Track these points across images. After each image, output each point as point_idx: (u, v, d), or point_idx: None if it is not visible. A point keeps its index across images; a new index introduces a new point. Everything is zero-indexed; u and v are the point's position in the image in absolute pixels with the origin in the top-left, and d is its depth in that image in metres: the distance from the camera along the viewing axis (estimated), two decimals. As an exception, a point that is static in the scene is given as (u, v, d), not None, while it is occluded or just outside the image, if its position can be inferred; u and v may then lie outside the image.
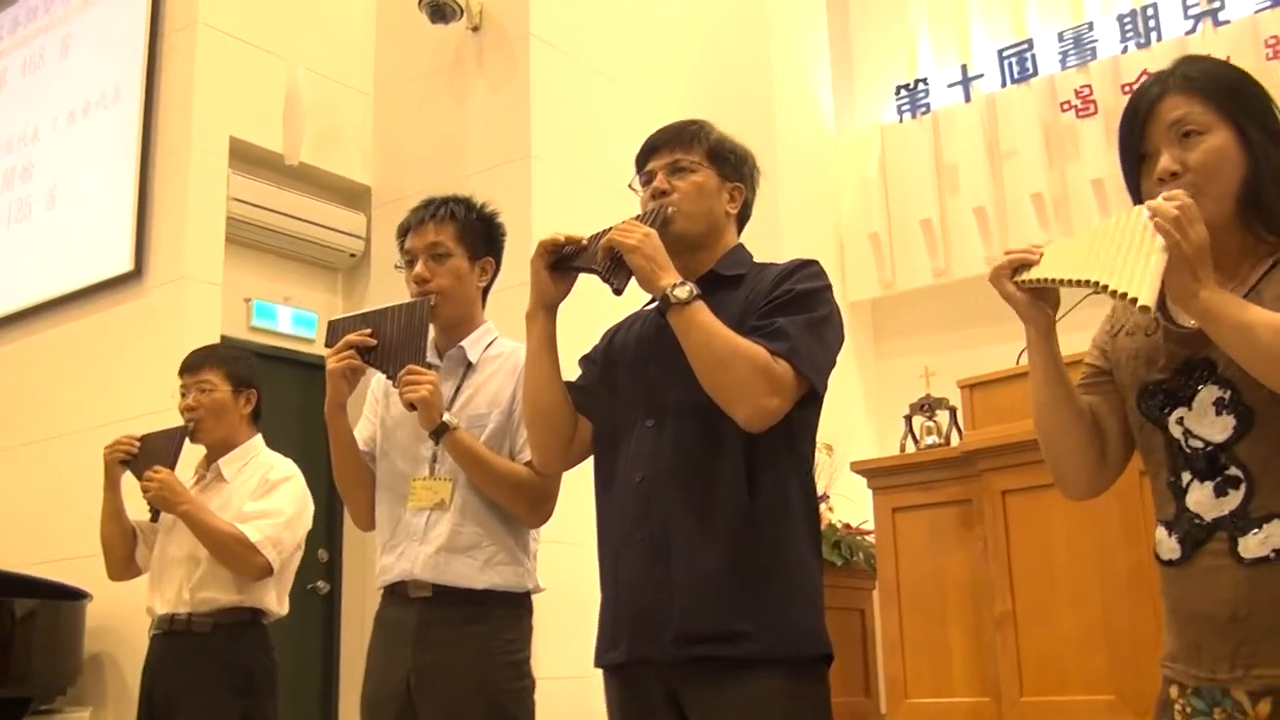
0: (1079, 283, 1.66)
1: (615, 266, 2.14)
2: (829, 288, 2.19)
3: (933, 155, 6.25)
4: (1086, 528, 3.63)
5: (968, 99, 6.19)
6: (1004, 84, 6.08)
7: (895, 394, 5.40)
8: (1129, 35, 5.71)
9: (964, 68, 6.23)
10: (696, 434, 2.10)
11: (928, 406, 4.64)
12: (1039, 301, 1.80)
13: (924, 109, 6.34)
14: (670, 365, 2.13)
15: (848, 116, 6.73)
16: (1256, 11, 5.34)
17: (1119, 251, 1.63)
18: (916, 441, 4.65)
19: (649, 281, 2.10)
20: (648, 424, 2.16)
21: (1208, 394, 1.70)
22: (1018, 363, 4.04)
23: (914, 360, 5.48)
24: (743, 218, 2.37)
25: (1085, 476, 1.87)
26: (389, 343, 2.63)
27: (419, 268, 2.70)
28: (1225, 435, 1.68)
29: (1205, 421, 1.70)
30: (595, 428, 2.31)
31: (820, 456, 4.93)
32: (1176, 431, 1.73)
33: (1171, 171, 1.73)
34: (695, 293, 2.07)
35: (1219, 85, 1.77)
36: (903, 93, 6.42)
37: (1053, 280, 1.73)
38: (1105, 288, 1.60)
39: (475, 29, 5.83)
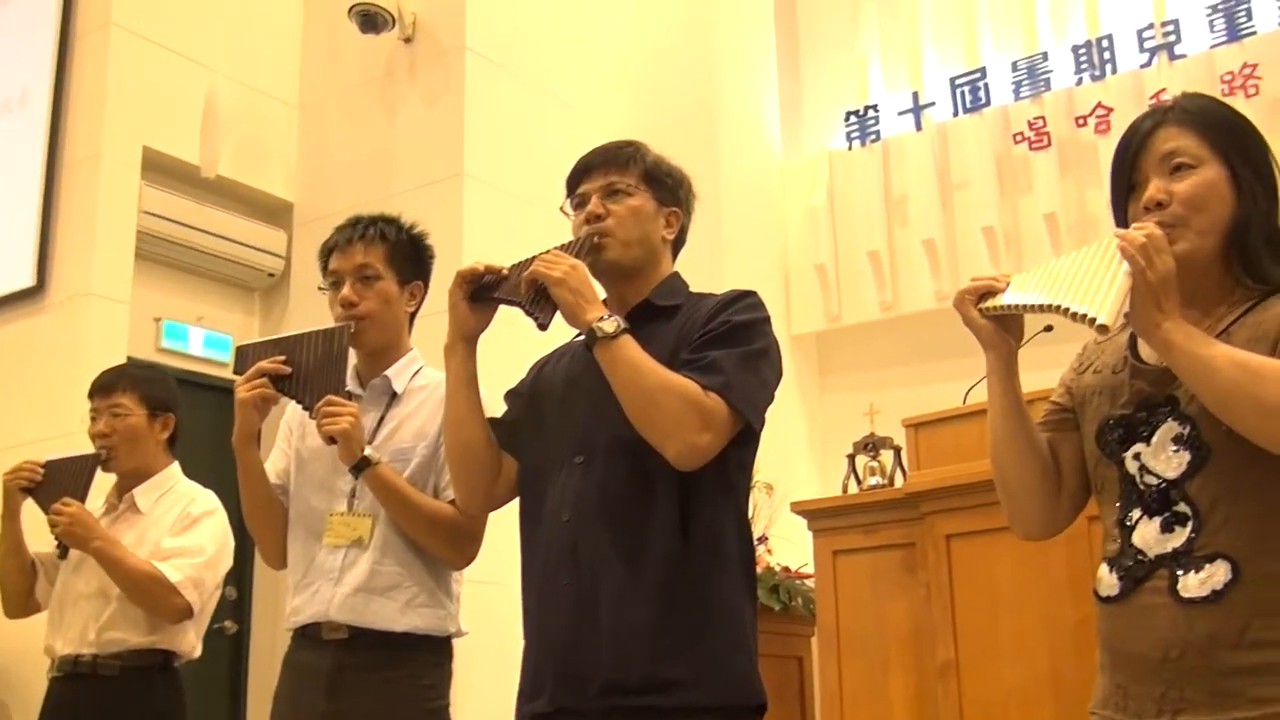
0: (1042, 308, 1.72)
1: (539, 300, 2.14)
2: (767, 320, 2.19)
3: (882, 185, 6.34)
4: (1033, 575, 3.69)
5: (919, 127, 6.30)
6: (956, 113, 6.20)
7: (839, 431, 5.45)
8: (1083, 67, 5.84)
9: (915, 95, 6.33)
10: (627, 472, 2.10)
11: (871, 446, 4.69)
12: (1002, 330, 1.86)
13: (874, 136, 6.44)
14: (600, 400, 2.13)
15: (795, 142, 6.81)
16: (1212, 47, 5.50)
17: (1084, 277, 1.69)
18: (859, 482, 4.70)
19: (574, 316, 2.10)
20: (576, 461, 2.16)
21: (1167, 430, 1.74)
22: (964, 402, 4.12)
23: (859, 397, 5.55)
24: (678, 244, 2.38)
25: (1039, 515, 1.92)
26: (305, 371, 2.61)
27: (347, 290, 2.69)
28: (1179, 471, 1.72)
29: (1162, 457, 1.74)
30: (521, 465, 2.31)
31: (760, 496, 5.01)
32: (1132, 467, 1.78)
33: (1157, 201, 1.78)
34: (622, 326, 2.07)
35: (1215, 122, 1.82)
36: (852, 119, 6.51)
37: (1016, 307, 1.79)
38: (1066, 310, 1.66)
39: (407, 40, 5.83)
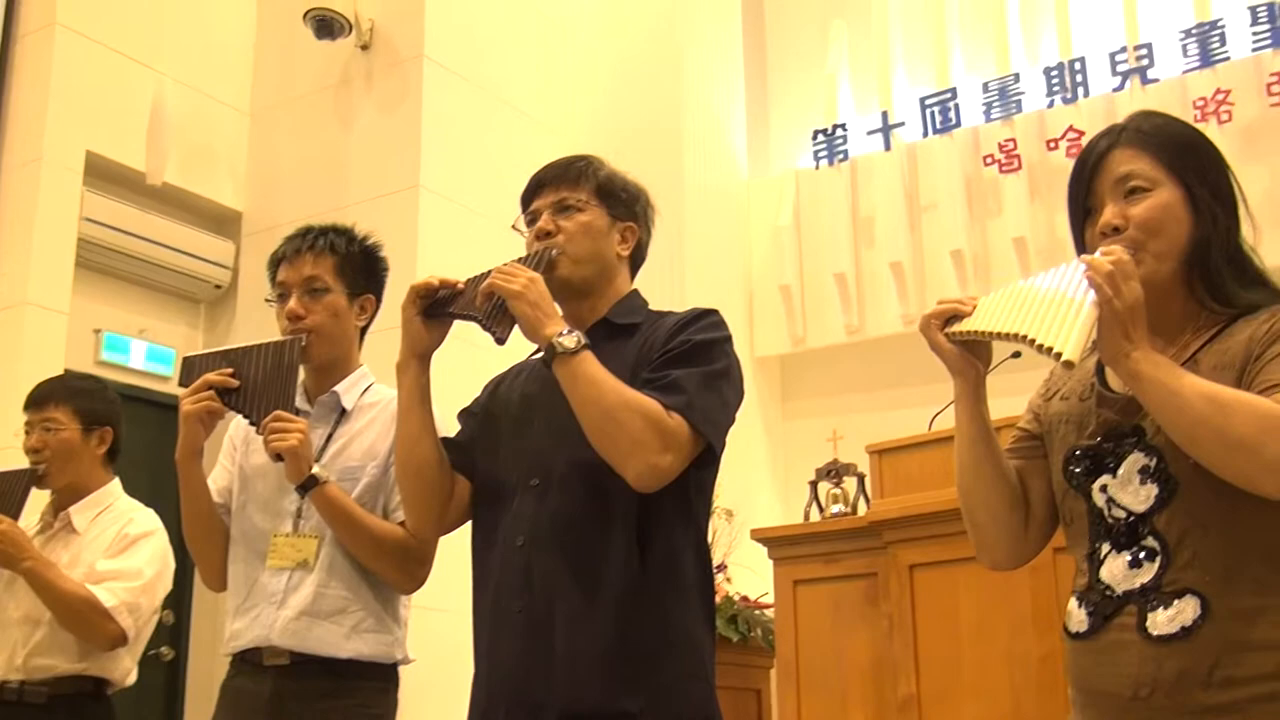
0: (1008, 336, 1.72)
1: (497, 313, 2.14)
2: (729, 339, 2.21)
3: (849, 205, 6.39)
4: (997, 608, 3.71)
5: (887, 147, 6.35)
6: (926, 134, 6.26)
7: (802, 457, 5.48)
8: (1055, 89, 5.91)
9: (885, 115, 6.39)
10: (584, 495, 2.10)
11: (834, 472, 4.71)
12: (969, 355, 1.86)
13: (842, 156, 6.49)
14: (557, 421, 2.13)
15: (761, 160, 6.86)
16: (1185, 72, 5.59)
17: (1050, 305, 1.70)
18: (822, 509, 4.72)
19: (533, 330, 2.09)
20: (532, 484, 2.16)
21: (1134, 461, 1.76)
22: (930, 428, 4.15)
23: (823, 422, 5.57)
24: (636, 261, 2.38)
25: (1007, 545, 1.93)
26: (253, 384, 2.60)
27: (292, 303, 2.68)
28: (1147, 505, 1.73)
29: (1129, 490, 1.76)
30: (474, 487, 2.30)
31: (719, 522, 5.02)
32: (1099, 500, 1.79)
33: (1114, 226, 1.80)
34: (583, 342, 2.07)
35: (1170, 142, 1.83)
36: (820, 138, 6.56)
37: (983, 333, 1.79)
38: (1032, 341, 1.67)
39: (364, 47, 5.84)
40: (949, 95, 6.22)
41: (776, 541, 4.45)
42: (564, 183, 2.31)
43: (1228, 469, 1.63)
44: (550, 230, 2.26)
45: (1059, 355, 1.63)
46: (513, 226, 2.36)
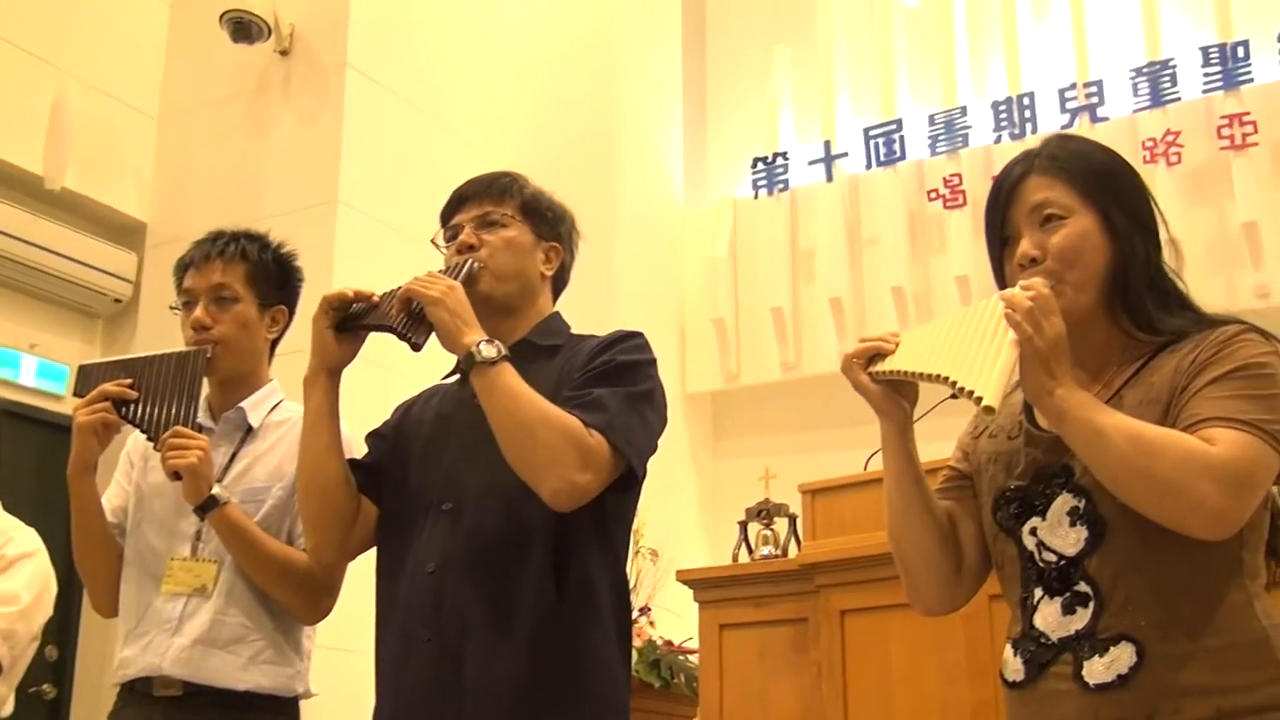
0: (930, 377, 1.75)
1: (413, 321, 2.15)
2: (653, 362, 2.24)
3: (788, 237, 6.46)
4: (929, 656, 3.73)
5: (829, 178, 6.43)
6: (869, 165, 6.35)
7: (732, 498, 5.48)
8: (1003, 124, 6.03)
9: (827, 144, 6.47)
10: (499, 520, 2.12)
11: (765, 513, 4.73)
12: (895, 395, 1.89)
13: (782, 185, 6.56)
14: (472, 443, 2.15)
15: (698, 188, 6.92)
16: (1135, 111, 5.73)
17: (971, 345, 1.72)
18: (751, 551, 4.73)
19: (451, 338, 2.11)
20: (444, 507, 2.17)
21: (1062, 503, 1.79)
22: (865, 469, 4.18)
23: (755, 462, 5.57)
24: (559, 283, 2.43)
25: (939, 590, 1.95)
26: (153, 397, 2.57)
27: (198, 311, 2.66)
28: (1077, 548, 1.76)
29: (1059, 533, 1.78)
30: (381, 511, 2.30)
31: (644, 563, 5.02)
32: (1030, 543, 1.82)
33: (1031, 257, 1.83)
34: (503, 352, 2.09)
35: (1085, 168, 1.87)
36: (760, 166, 6.63)
37: (906, 373, 1.82)
38: (954, 384, 1.69)
39: (284, 53, 5.83)
40: (894, 127, 6.31)
41: (703, 583, 4.45)
42: (488, 197, 2.34)
43: (1155, 510, 1.66)
44: (473, 244, 2.29)
45: (979, 399, 1.66)
46: (432, 241, 2.38)
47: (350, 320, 2.24)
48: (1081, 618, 1.74)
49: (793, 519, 4.68)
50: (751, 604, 4.28)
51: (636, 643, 3.78)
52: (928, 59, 6.37)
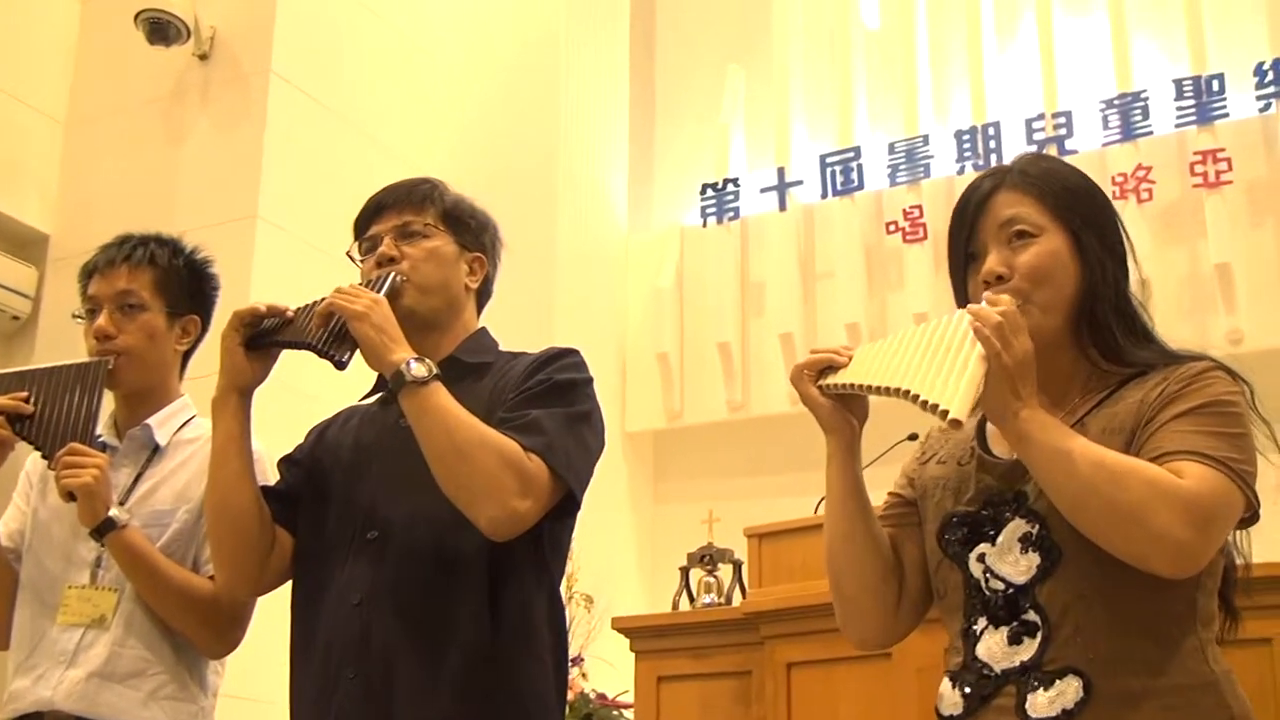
0: (888, 390, 1.77)
1: (335, 338, 2.15)
2: (590, 381, 2.26)
3: (738, 268, 6.49)
4: (879, 712, 3.75)
5: (783, 207, 6.47)
6: (825, 194, 6.39)
7: (673, 543, 5.49)
8: (967, 155, 6.10)
9: (781, 171, 6.51)
10: (430, 549, 2.11)
11: (709, 558, 4.75)
12: (844, 410, 1.91)
13: (732, 214, 6.59)
14: (397, 468, 2.15)
15: (643, 214, 6.95)
16: (1105, 145, 5.82)
17: (934, 358, 1.75)
18: (693, 599, 4.75)
19: (377, 356, 2.10)
20: (369, 537, 2.16)
21: (1014, 529, 1.82)
22: (816, 512, 4.20)
23: (698, 507, 5.58)
24: (483, 296, 2.44)
25: (877, 619, 1.97)
26: (49, 411, 2.55)
27: (102, 319, 2.65)
28: (1028, 575, 1.79)
29: (1008, 559, 1.81)
30: (298, 543, 2.29)
31: (578, 610, 5.01)
32: (976, 570, 1.85)
33: (997, 274, 1.87)
34: (434, 371, 2.08)
35: (1057, 187, 1.92)
36: (709, 193, 6.66)
37: (860, 386, 1.83)
38: (915, 397, 1.72)
39: (203, 56, 5.81)
40: (852, 154, 6.36)
41: (640, 632, 4.45)
42: (408, 206, 2.35)
43: (1115, 540, 1.69)
44: (394, 256, 2.29)
45: (945, 413, 1.68)
46: (347, 254, 2.38)
47: (263, 337, 2.23)
48: (1028, 648, 1.76)
49: (738, 565, 4.70)
50: (692, 655, 4.29)
51: (569, 695, 3.76)
52: (889, 84, 6.44)
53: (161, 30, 5.64)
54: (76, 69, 6.19)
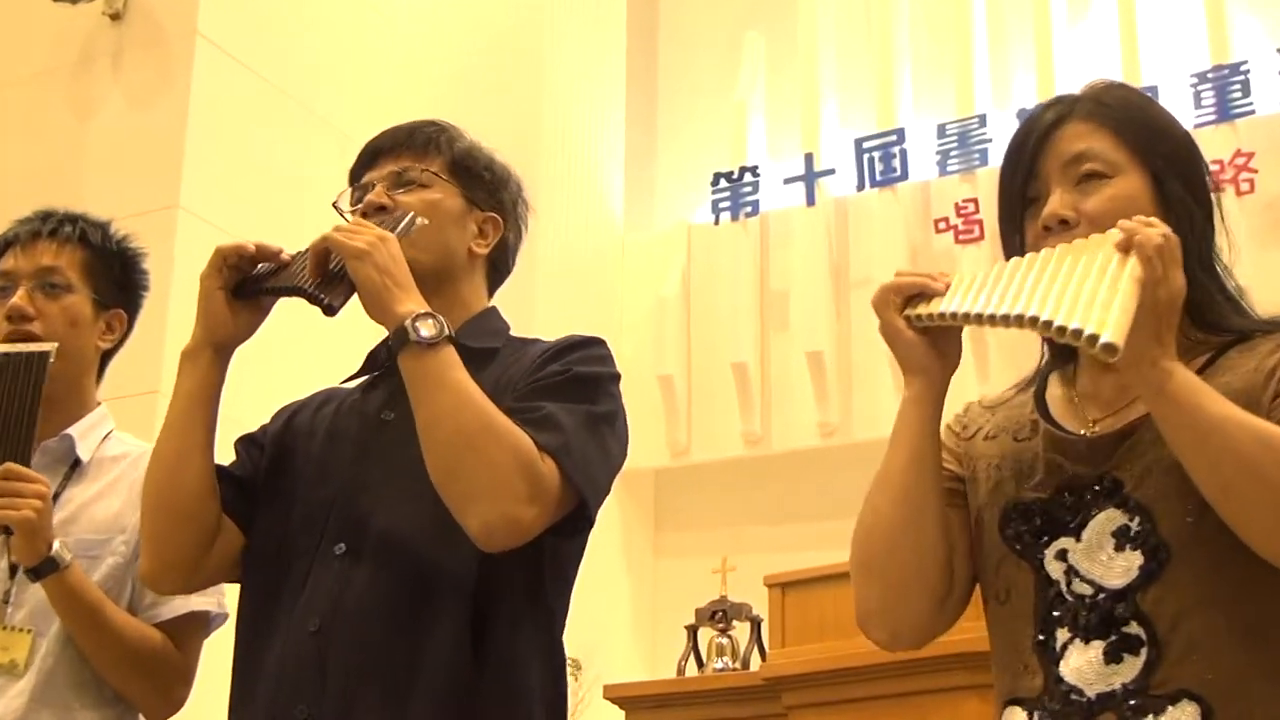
0: (1003, 320, 1.69)
1: (330, 279, 2.10)
2: (617, 379, 2.23)
3: (757, 274, 6.52)
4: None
5: (811, 201, 6.50)
6: (861, 186, 6.42)
7: (677, 598, 5.49)
8: (1031, 138, 6.13)
9: (809, 158, 6.54)
10: (408, 571, 2.09)
11: (722, 614, 4.75)
12: (934, 348, 1.85)
13: (750, 208, 6.63)
14: (377, 469, 2.14)
15: (643, 209, 6.99)
16: (1196, 126, 5.75)
17: (1066, 282, 1.67)
18: (702, 663, 4.76)
19: (380, 304, 2.04)
20: (336, 550, 2.13)
21: (1106, 520, 1.78)
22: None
23: (705, 560, 5.51)
24: (498, 267, 2.41)
25: (920, 614, 1.91)
26: None
27: (18, 297, 2.65)
28: (1128, 579, 1.75)
29: (1100, 559, 1.78)
30: (251, 542, 2.24)
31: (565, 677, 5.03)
32: (1055, 570, 1.82)
33: (1061, 219, 1.83)
34: (446, 332, 2.02)
35: (1137, 119, 1.90)
36: (723, 183, 6.70)
37: (965, 316, 1.76)
38: (1047, 324, 1.63)
39: (115, 16, 5.81)
40: (894, 138, 6.38)
41: (638, 703, 4.47)
42: (408, 151, 2.32)
43: (1275, 538, 1.65)
44: (384, 205, 2.24)
45: (1093, 338, 1.58)
46: (334, 204, 2.35)
47: (250, 284, 2.17)
48: (1131, 667, 1.73)
49: (756, 622, 4.70)
50: (702, 729, 4.32)
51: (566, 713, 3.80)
52: (938, 56, 6.47)
53: (66, -17, 5.68)
54: (-34, 31, 6.24)
